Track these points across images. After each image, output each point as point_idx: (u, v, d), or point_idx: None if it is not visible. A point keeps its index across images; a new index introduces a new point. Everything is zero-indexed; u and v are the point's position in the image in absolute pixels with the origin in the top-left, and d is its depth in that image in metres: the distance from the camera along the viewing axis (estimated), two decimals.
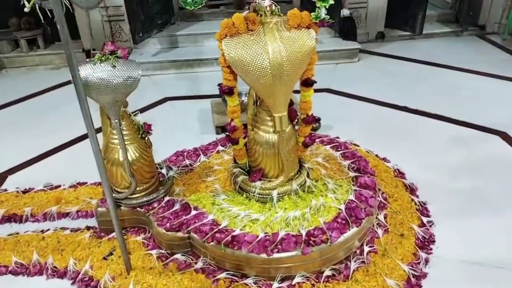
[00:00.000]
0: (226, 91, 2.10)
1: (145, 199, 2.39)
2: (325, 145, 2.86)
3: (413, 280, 2.09)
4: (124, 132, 2.26)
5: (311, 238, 2.08)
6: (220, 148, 2.94)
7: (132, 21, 4.80)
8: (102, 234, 2.47)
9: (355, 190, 2.39)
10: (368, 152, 3.11)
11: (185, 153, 2.93)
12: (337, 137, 3.31)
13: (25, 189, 2.93)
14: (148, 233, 2.42)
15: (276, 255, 2.04)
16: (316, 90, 4.22)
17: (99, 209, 2.42)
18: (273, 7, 1.97)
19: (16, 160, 3.35)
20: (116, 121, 2.08)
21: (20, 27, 5.12)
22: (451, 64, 4.82)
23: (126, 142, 2.25)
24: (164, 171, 2.62)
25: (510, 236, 2.40)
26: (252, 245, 2.05)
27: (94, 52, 5.06)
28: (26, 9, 1.46)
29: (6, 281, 2.28)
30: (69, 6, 1.54)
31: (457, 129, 3.54)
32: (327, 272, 2.12)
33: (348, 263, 2.17)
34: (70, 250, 2.38)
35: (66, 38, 1.54)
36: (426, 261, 2.24)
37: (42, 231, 2.55)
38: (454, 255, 2.29)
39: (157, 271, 2.20)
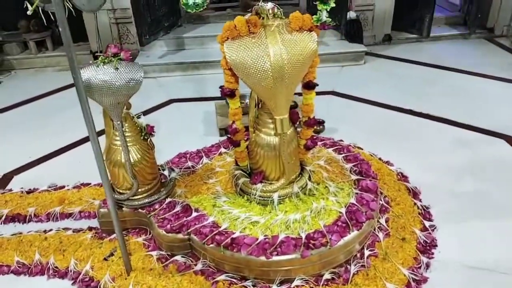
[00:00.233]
0: (228, 94, 2.11)
1: (146, 200, 2.40)
2: (328, 148, 2.85)
3: (413, 284, 2.07)
4: (127, 134, 2.28)
5: (311, 241, 2.07)
6: (222, 150, 2.94)
7: (138, 24, 4.84)
8: (104, 235, 2.49)
9: (357, 193, 2.37)
10: (371, 155, 3.09)
11: (187, 155, 2.94)
12: (341, 140, 3.30)
13: (30, 189, 2.96)
14: (149, 234, 2.43)
15: (275, 258, 2.03)
16: (321, 93, 4.30)
17: (101, 210, 2.44)
18: (275, 10, 1.97)
19: (22, 160, 3.39)
20: (119, 122, 2.10)
21: (29, 29, 5.19)
22: (458, 67, 4.78)
23: (128, 144, 2.27)
24: (166, 172, 2.63)
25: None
26: (251, 248, 2.05)
27: (99, 54, 5.12)
28: (28, 12, 1.49)
29: (8, 281, 2.30)
30: (72, 9, 1.55)
31: (462, 132, 3.50)
32: (327, 276, 2.10)
33: (348, 266, 2.16)
34: (72, 250, 2.41)
35: (68, 41, 1.56)
36: (427, 265, 2.22)
37: (45, 231, 2.58)
38: (456, 260, 2.26)
39: (157, 273, 2.20)
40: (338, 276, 2.12)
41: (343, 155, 2.74)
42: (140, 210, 2.40)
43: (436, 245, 2.35)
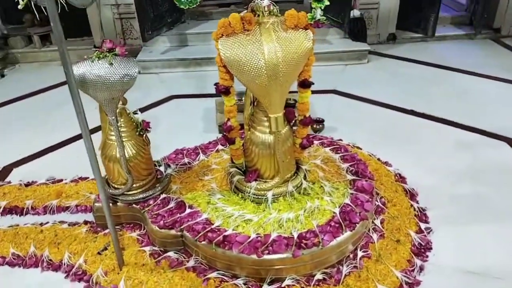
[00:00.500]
0: (223, 91, 2.10)
1: (141, 196, 2.41)
2: (325, 147, 2.83)
3: (405, 287, 2.05)
4: (122, 129, 2.28)
5: (303, 241, 2.06)
6: (220, 147, 2.94)
7: (141, 19, 4.84)
8: (99, 229, 2.50)
9: (352, 193, 2.36)
10: (370, 155, 3.07)
11: (184, 151, 2.94)
12: (340, 139, 3.28)
13: (28, 182, 2.98)
14: (143, 229, 2.44)
15: (266, 257, 2.02)
16: (322, 91, 4.30)
17: (96, 204, 2.45)
18: (271, 7, 1.95)
19: (22, 153, 3.42)
20: (113, 117, 2.10)
21: (34, 23, 5.21)
22: (463, 67, 4.73)
23: (123, 139, 2.27)
24: (162, 168, 2.63)
25: (511, 246, 2.34)
26: (242, 246, 2.05)
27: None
28: (20, 6, 1.48)
29: (3, 272, 2.33)
30: (64, 4, 1.55)
31: (464, 134, 3.46)
32: (318, 276, 2.10)
33: (340, 267, 2.15)
34: (66, 243, 2.42)
35: (59, 35, 1.56)
36: (421, 268, 2.20)
37: (41, 224, 2.59)
38: (450, 263, 2.24)
39: (149, 268, 2.21)
40: (329, 276, 2.11)
41: (340, 154, 2.73)
42: (134, 205, 2.41)
43: (431, 248, 2.33)
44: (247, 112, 2.25)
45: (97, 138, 2.38)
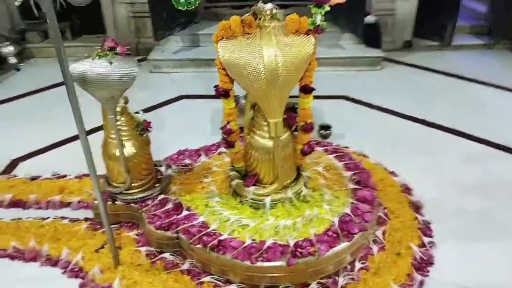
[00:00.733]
0: (222, 93, 2.08)
1: (139, 195, 2.41)
2: (329, 154, 2.78)
3: None
4: (123, 128, 2.29)
5: (298, 249, 2.02)
6: (222, 149, 2.92)
7: (154, 18, 4.87)
8: (98, 226, 2.51)
9: (352, 203, 2.31)
10: (376, 164, 3.01)
11: (187, 152, 2.93)
12: (346, 147, 3.23)
13: (33, 176, 3.01)
14: (141, 229, 2.44)
15: (259, 264, 1.99)
16: (332, 97, 4.25)
17: (95, 201, 2.46)
18: (274, 11, 1.93)
19: (30, 147, 3.46)
20: (112, 116, 2.10)
21: None
22: (479, 78, 4.60)
23: (124, 138, 2.28)
24: (163, 169, 2.63)
25: None
26: (237, 251, 2.02)
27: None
28: (16, 3, 1.49)
29: (3, 264, 2.35)
30: (62, 2, 1.56)
31: (476, 147, 3.36)
32: (313, 286, 2.06)
33: (337, 278, 2.10)
34: (66, 239, 2.43)
35: (56, 32, 1.57)
36: (421, 283, 2.13)
37: (43, 219, 2.61)
38: (452, 280, 2.17)
39: (144, 269, 2.20)
40: (325, 287, 2.06)
41: (343, 162, 2.68)
42: (133, 204, 2.41)
43: (433, 263, 2.26)
44: (248, 116, 2.23)
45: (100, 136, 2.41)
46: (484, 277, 2.18)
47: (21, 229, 2.53)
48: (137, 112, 2.37)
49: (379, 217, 2.44)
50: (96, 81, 1.94)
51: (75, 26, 5.54)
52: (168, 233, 2.21)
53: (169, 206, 2.34)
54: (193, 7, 1.81)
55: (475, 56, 5.25)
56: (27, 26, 5.43)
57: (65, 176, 3.00)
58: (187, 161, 2.79)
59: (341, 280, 2.08)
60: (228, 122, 2.19)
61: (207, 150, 2.95)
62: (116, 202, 2.43)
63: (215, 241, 2.08)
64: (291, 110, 2.22)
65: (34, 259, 2.36)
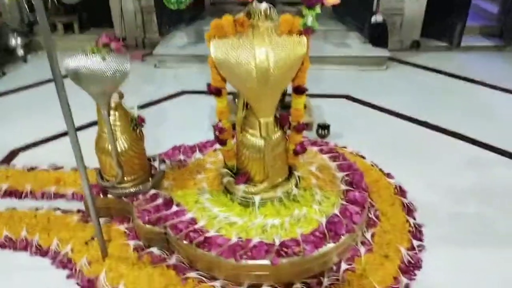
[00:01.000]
0: (214, 92, 2.08)
1: (131, 190, 2.42)
2: (323, 154, 2.76)
3: None
4: (117, 123, 2.31)
5: (284, 248, 2.01)
6: (217, 146, 2.91)
7: (159, 13, 4.88)
8: (89, 218, 2.52)
9: (342, 204, 2.29)
10: (372, 165, 2.98)
11: (181, 148, 2.94)
12: (344, 147, 3.21)
13: (31, 167, 3.05)
14: (131, 223, 2.45)
15: (244, 262, 1.99)
16: (334, 96, 4.21)
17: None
18: (268, 11, 1.91)
19: (31, 138, 3.51)
20: (105, 111, 2.11)
21: (58, 11, 5.36)
22: (487, 80, 4.51)
23: (117, 133, 2.29)
24: (157, 164, 2.64)
25: (509, 274, 2.21)
26: (221, 249, 2.02)
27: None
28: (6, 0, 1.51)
29: None
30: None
31: (478, 152, 3.30)
32: (298, 286, 2.05)
33: (322, 278, 2.09)
34: (57, 230, 2.46)
35: (45, 27, 1.58)
36: (407, 286, 2.11)
37: (37, 209, 2.65)
38: (439, 285, 2.14)
39: (131, 262, 2.22)
40: (308, 287, 2.05)
41: (337, 163, 2.65)
42: (124, 198, 2.42)
43: (420, 267, 2.23)
44: (240, 115, 2.22)
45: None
46: (472, 284, 2.14)
47: (14, 218, 2.57)
48: (132, 108, 2.38)
49: (369, 219, 2.42)
50: (89, 77, 1.96)
51: (83, 19, 5.59)
52: (156, 228, 2.22)
53: (159, 201, 2.35)
54: (184, 6, 1.80)
55: (485, 58, 5.14)
56: (35, 18, 5.49)
57: (61, 167, 3.04)
58: (181, 157, 2.79)
59: (326, 281, 2.07)
60: (220, 120, 2.18)
61: (202, 146, 2.95)
62: (107, 196, 2.45)
63: (201, 238, 2.08)
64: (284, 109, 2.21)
65: (25, 248, 2.40)
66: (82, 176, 1.94)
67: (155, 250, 2.26)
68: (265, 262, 2.00)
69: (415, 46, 5.36)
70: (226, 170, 2.42)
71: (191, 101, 4.25)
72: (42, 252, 2.36)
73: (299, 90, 2.11)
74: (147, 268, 2.17)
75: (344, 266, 2.13)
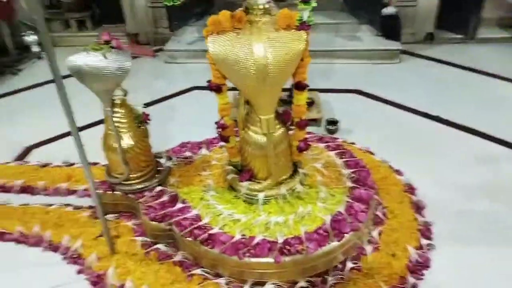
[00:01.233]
0: (214, 89, 2.08)
1: (137, 186, 2.45)
2: (330, 150, 2.73)
3: None
4: (122, 120, 2.33)
5: (287, 246, 2.01)
6: (223, 143, 2.92)
7: (168, 8, 4.88)
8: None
9: (348, 202, 2.27)
10: (381, 162, 2.94)
11: (189, 145, 2.95)
12: (353, 143, 3.17)
13: (44, 163, 3.12)
14: (139, 219, 2.49)
15: (246, 259, 2.00)
16: (345, 91, 4.16)
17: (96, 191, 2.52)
18: (266, 6, 1.90)
19: (45, 134, 3.58)
20: (108, 108, 2.14)
21: (71, 8, 5.43)
22: (502, 74, 4.37)
23: (122, 130, 2.32)
24: (163, 160, 2.67)
25: None
26: (225, 246, 2.04)
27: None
28: None
29: (8, 248, 2.47)
30: None
31: (491, 147, 3.22)
32: (302, 284, 2.05)
33: (326, 277, 2.08)
34: (68, 226, 2.52)
35: (42, 26, 1.60)
36: (414, 286, 2.09)
37: (49, 205, 2.71)
38: (447, 285, 2.11)
39: (139, 258, 2.26)
40: (313, 285, 2.05)
41: (344, 159, 2.63)
42: (130, 195, 2.46)
43: (428, 266, 2.20)
44: (241, 111, 2.21)
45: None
46: (481, 284, 2.11)
47: (27, 214, 2.64)
48: (136, 105, 2.40)
49: (376, 217, 2.39)
50: (91, 74, 1.99)
51: (95, 15, 5.65)
52: (162, 225, 2.25)
53: (165, 198, 2.37)
54: (179, 2, 1.80)
55: (501, 50, 4.98)
56: (50, 15, 5.58)
57: (73, 164, 3.09)
58: (188, 153, 2.81)
59: (330, 280, 2.06)
60: (222, 117, 2.18)
61: (209, 143, 2.96)
62: (114, 192, 2.49)
63: (205, 235, 2.10)
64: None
65: (37, 244, 2.47)
66: (87, 173, 1.97)
67: (161, 246, 2.29)
68: (268, 260, 2.00)
69: (429, 38, 5.23)
70: (230, 167, 2.43)
71: (201, 97, 4.25)
72: (53, 247, 2.42)
73: (300, 86, 2.09)
74: (154, 265, 2.21)
75: (349, 264, 2.12)
